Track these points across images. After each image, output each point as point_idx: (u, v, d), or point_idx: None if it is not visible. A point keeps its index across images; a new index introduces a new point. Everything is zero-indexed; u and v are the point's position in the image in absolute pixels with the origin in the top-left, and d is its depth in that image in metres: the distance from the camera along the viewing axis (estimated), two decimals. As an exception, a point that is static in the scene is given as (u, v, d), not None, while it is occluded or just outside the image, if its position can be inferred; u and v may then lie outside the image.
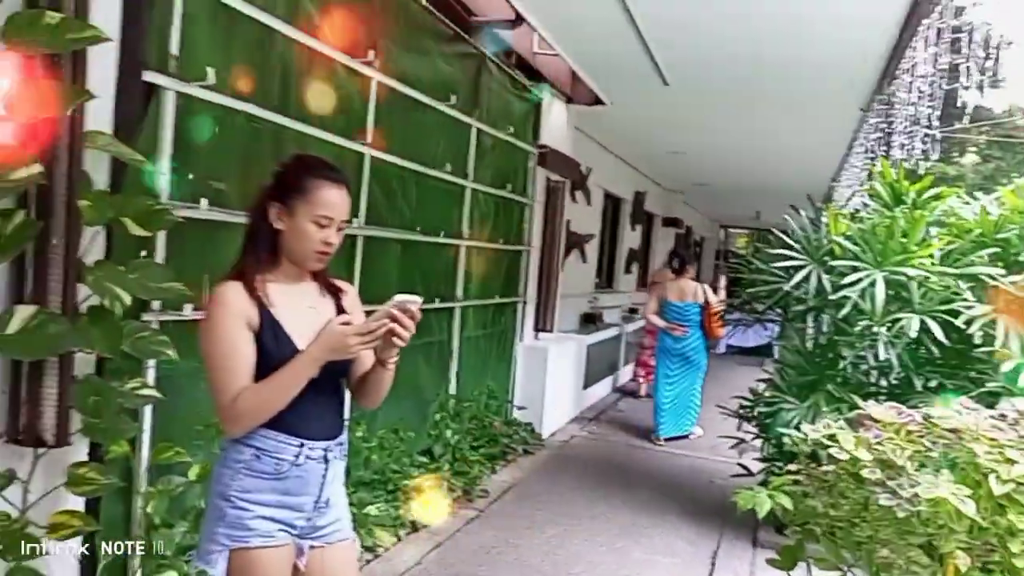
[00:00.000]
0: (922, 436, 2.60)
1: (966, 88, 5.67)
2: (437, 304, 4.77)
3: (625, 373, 9.41)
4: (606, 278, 10.40)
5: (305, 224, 1.80)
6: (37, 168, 1.79)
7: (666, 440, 6.72)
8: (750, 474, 4.80)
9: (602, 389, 8.59)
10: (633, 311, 10.24)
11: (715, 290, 7.07)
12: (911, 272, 3.84)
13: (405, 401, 4.48)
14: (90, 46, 1.97)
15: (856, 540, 2.72)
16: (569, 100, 6.55)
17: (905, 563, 2.64)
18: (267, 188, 1.86)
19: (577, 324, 8.38)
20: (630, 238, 11.15)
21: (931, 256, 3.90)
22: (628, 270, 11.26)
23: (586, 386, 7.74)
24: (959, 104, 5.79)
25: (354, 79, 3.57)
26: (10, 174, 1.76)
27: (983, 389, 3.58)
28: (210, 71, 2.58)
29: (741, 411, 4.82)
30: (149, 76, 2.40)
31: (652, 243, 12.82)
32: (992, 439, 2.46)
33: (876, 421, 2.71)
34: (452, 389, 5.15)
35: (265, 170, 2.01)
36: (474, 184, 5.02)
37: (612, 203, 10.20)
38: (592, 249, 9.12)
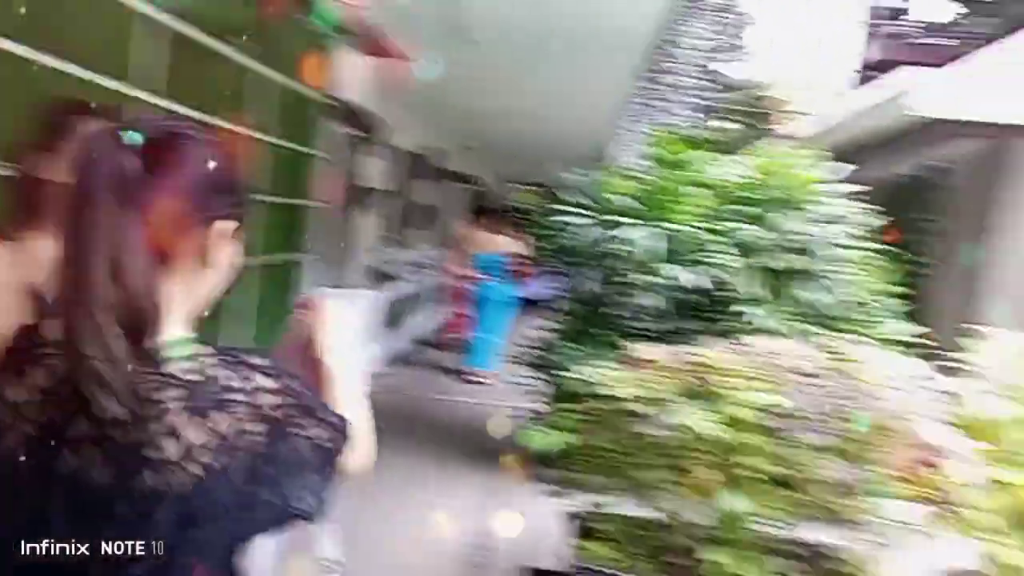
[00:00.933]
0: (681, 372, 2.97)
1: (723, 61, 6.30)
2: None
3: (419, 326, 9.57)
4: (400, 234, 10.42)
5: None
6: None
7: (471, 374, 7.47)
8: (537, 417, 5.13)
9: (399, 343, 8.68)
10: (427, 266, 10.38)
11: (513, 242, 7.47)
12: (675, 227, 4.29)
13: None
14: None
15: (631, 469, 3.07)
16: (366, 53, 6.42)
17: (665, 483, 3.01)
18: None
19: (370, 280, 8.37)
20: (424, 194, 11.23)
21: (693, 213, 4.37)
22: (423, 226, 11.36)
23: (382, 341, 7.78)
24: (715, 74, 6.45)
25: (102, 5, 3.21)
26: None
27: (734, 331, 4.09)
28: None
29: (527, 357, 5.13)
30: None
31: (445, 199, 13.00)
32: (732, 370, 2.85)
33: (644, 361, 3.05)
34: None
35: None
36: (258, 134, 4.80)
37: (406, 158, 10.19)
38: (386, 205, 9.10)
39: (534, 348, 5.17)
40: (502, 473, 4.95)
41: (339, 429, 1.18)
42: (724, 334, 3.58)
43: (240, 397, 1.07)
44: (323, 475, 1.15)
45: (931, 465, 2.58)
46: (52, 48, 2.86)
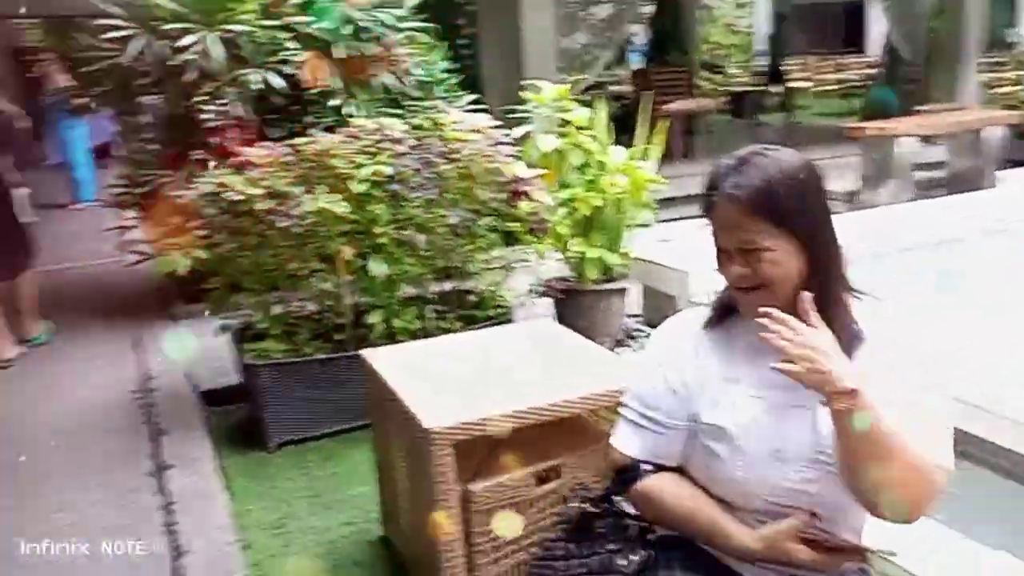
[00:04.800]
0: (295, 164, 3.08)
1: None
2: None
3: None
4: None
5: None
6: None
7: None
8: (148, 258, 4.85)
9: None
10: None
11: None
12: (239, 28, 4.12)
13: None
14: None
15: (266, 268, 3.19)
16: None
17: (308, 271, 3.22)
18: None
19: None
20: None
21: (253, 11, 4.22)
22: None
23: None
24: None
25: None
26: None
27: (322, 126, 4.24)
28: None
29: (118, 198, 4.71)
30: None
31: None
32: (347, 154, 3.06)
33: (252, 162, 3.09)
34: None
35: None
36: None
37: None
38: None
39: (117, 187, 4.74)
40: (146, 314, 4.74)
41: None
42: (307, 131, 3.69)
43: None
44: None
45: (520, 195, 3.16)
46: None
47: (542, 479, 1.86)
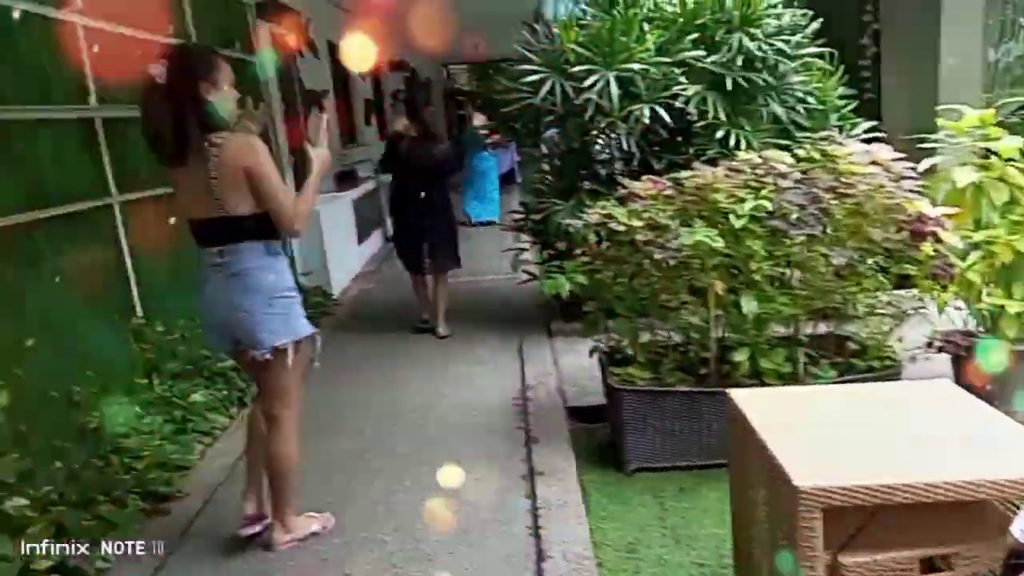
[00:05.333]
0: (676, 198, 3.13)
1: None
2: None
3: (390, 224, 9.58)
4: (349, 133, 10.23)
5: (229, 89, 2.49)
6: None
7: (476, 223, 10.29)
8: (535, 278, 5.33)
9: (375, 243, 8.74)
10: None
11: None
12: (635, 67, 4.34)
13: (194, 287, 4.35)
14: None
15: (639, 297, 3.27)
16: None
17: (678, 303, 3.24)
18: (189, 74, 2.40)
19: (333, 183, 8.31)
20: (363, 88, 10.94)
21: (648, 50, 4.41)
22: (368, 121, 11.13)
23: (360, 242, 7.84)
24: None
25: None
26: None
27: (704, 158, 4.25)
28: None
29: (517, 224, 5.27)
30: None
31: (383, 90, 12.67)
32: (728, 188, 3.02)
33: (639, 195, 3.20)
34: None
35: None
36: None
37: (338, 54, 9.85)
38: (329, 105, 8.88)
39: (518, 214, 5.30)
40: (528, 328, 5.24)
41: None
42: (690, 162, 3.72)
43: None
44: None
45: (924, 235, 2.81)
46: None
47: (931, 567, 1.61)
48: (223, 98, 2.45)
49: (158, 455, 3.24)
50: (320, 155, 2.67)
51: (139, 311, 3.75)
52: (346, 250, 7.17)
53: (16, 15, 2.99)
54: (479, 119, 10.59)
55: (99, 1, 3.52)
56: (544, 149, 5.25)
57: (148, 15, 4.13)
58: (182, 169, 2.46)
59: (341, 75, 9.95)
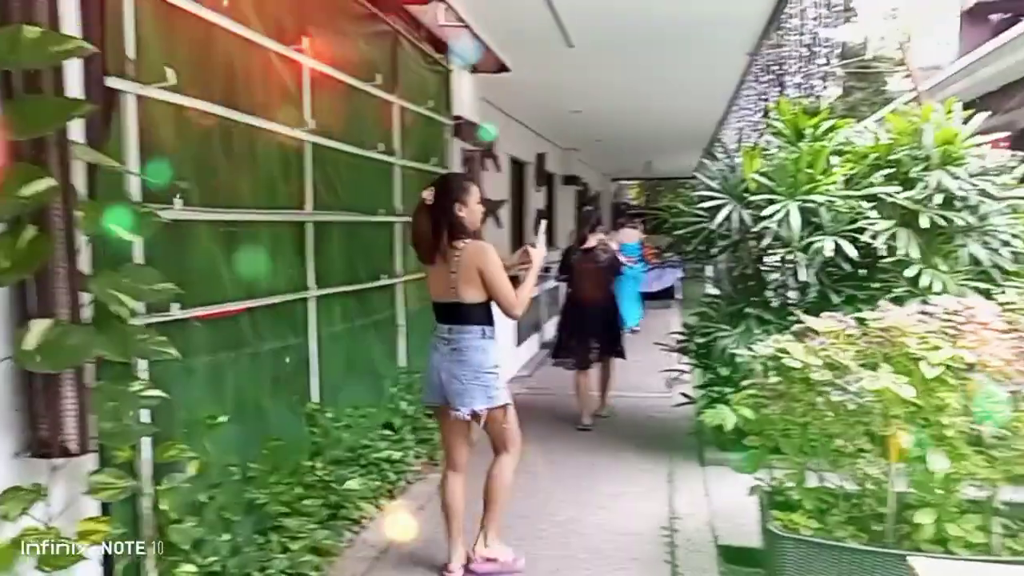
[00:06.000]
0: (859, 338, 2.96)
1: (833, 25, 6.13)
2: (383, 281, 4.88)
3: (548, 330, 9.72)
4: (518, 240, 10.64)
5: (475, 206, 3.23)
6: (48, 182, 1.81)
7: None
8: (692, 402, 5.18)
9: (531, 347, 8.87)
10: (546, 270, 10.55)
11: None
12: (820, 199, 4.25)
13: (363, 379, 4.59)
14: (74, 58, 1.98)
15: (809, 438, 3.08)
16: (473, 69, 6.66)
17: (854, 450, 3.01)
18: (447, 196, 3.17)
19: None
20: (535, 199, 11.43)
21: (835, 182, 4.31)
22: (536, 231, 11.57)
23: (518, 345, 7.99)
24: (820, 40, 6.28)
25: (290, 68, 3.60)
26: (20, 190, 1.78)
27: (891, 295, 4.02)
28: (169, 72, 2.59)
29: (678, 344, 5.18)
30: (111, 82, 2.40)
31: (555, 202, 13.16)
32: (919, 333, 2.83)
33: (817, 331, 3.06)
34: (402, 362, 5.27)
35: (221, 164, 2.70)
36: (402, 161, 5.10)
37: (517, 167, 10.41)
38: (504, 214, 9.32)
39: (681, 335, 5.22)
40: (680, 452, 5.06)
41: None
42: (873, 299, 3.52)
43: None
44: None
45: None
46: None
47: None
48: (470, 212, 3.20)
49: (312, 539, 3.35)
50: (538, 254, 3.41)
51: (315, 396, 3.99)
52: (503, 353, 7.30)
53: (267, 136, 3.44)
54: (634, 234, 10.68)
55: (326, 122, 3.95)
56: (712, 272, 5.19)
57: (364, 136, 4.58)
58: (433, 266, 3.23)
59: (516, 186, 10.47)
